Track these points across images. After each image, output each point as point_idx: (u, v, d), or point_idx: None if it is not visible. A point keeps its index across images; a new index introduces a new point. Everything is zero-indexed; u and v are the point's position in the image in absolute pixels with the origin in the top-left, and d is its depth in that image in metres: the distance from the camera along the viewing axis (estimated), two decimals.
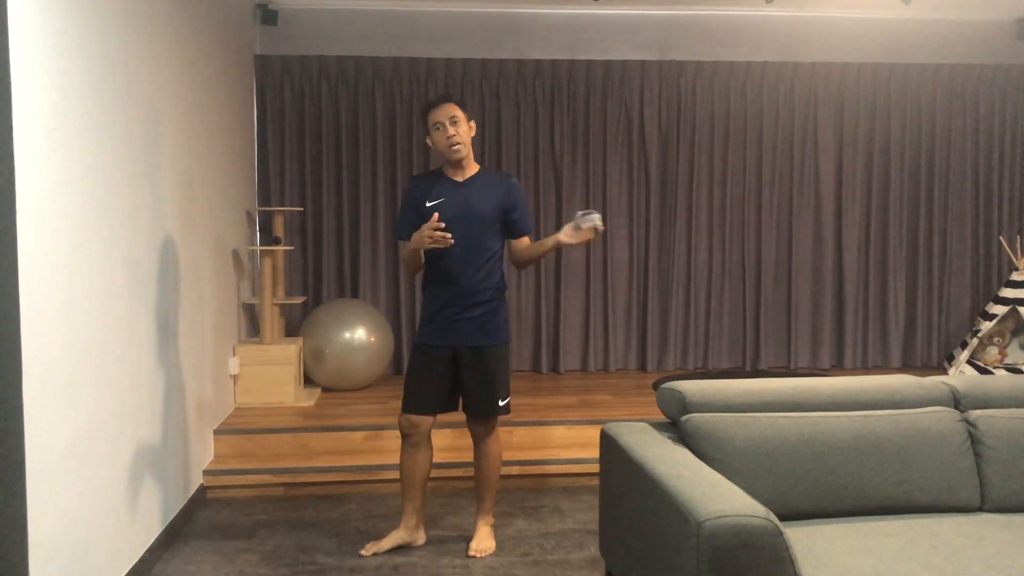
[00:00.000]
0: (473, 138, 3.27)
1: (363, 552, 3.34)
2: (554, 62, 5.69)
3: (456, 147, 3.17)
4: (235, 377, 4.69)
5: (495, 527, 3.53)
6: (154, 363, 3.31)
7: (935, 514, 2.60)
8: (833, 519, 2.56)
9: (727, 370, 5.93)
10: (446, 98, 3.22)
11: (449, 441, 4.32)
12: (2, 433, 2.11)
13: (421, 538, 3.43)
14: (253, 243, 5.33)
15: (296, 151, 5.62)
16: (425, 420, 3.32)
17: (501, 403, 3.29)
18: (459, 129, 3.17)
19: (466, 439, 4.33)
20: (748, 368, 5.95)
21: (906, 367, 5.98)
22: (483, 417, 3.33)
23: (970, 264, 6.09)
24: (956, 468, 2.64)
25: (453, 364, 3.28)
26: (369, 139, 5.63)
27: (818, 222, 5.96)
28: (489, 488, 3.42)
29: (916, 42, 6.03)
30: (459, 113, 3.18)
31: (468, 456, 4.24)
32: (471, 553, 3.33)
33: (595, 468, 4.13)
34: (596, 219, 3.08)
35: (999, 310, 5.45)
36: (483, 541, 3.38)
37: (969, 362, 5.55)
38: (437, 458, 4.21)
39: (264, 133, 5.57)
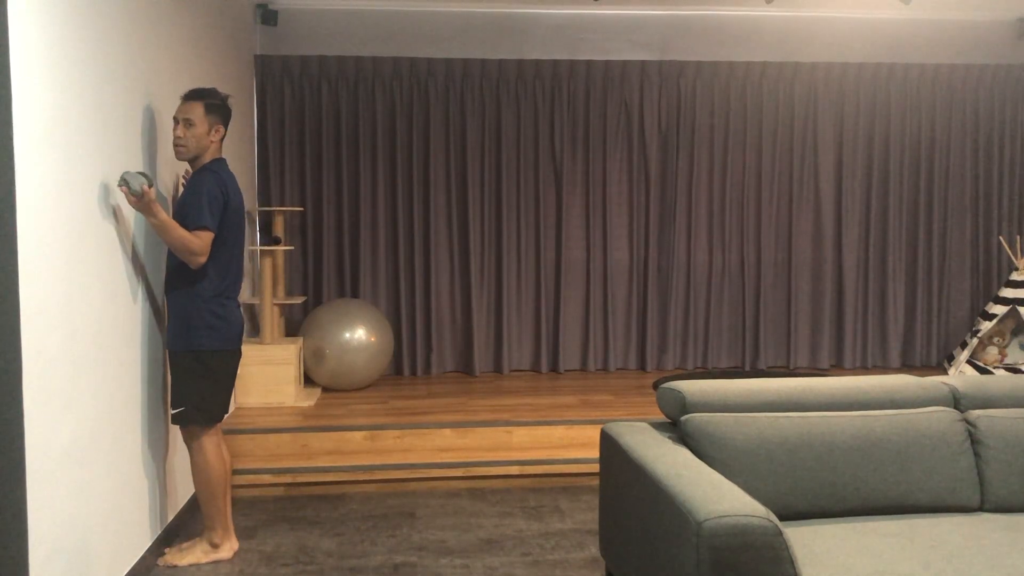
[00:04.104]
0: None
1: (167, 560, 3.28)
2: (554, 62, 5.69)
3: (177, 150, 3.16)
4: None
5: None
6: (154, 363, 3.31)
7: (935, 514, 2.61)
8: (833, 519, 2.56)
9: (727, 370, 5.93)
10: (193, 95, 3.16)
11: (449, 441, 4.33)
12: (2, 433, 2.11)
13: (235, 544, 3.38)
14: (253, 243, 5.33)
15: (296, 151, 5.62)
16: None
17: (173, 411, 3.18)
18: (191, 132, 3.13)
19: (465, 439, 4.35)
20: (747, 368, 5.95)
21: (905, 367, 5.98)
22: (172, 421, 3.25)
23: (970, 264, 6.09)
24: (956, 468, 2.64)
25: None
26: (369, 139, 5.63)
27: (818, 222, 5.96)
28: (200, 503, 3.27)
29: (916, 42, 6.03)
30: (196, 116, 3.13)
31: (468, 456, 4.25)
32: (160, 559, 3.26)
33: (595, 468, 4.14)
34: (128, 180, 2.84)
35: (999, 310, 5.45)
36: (180, 551, 3.28)
37: (969, 362, 5.55)
38: (436, 458, 4.23)
39: (264, 133, 5.57)
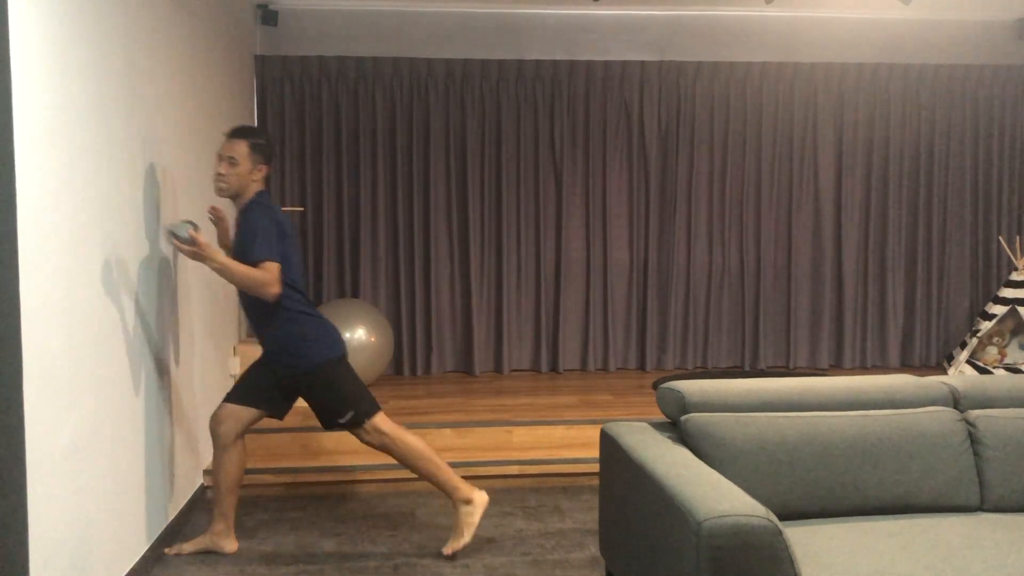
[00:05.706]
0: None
1: (167, 551, 3.32)
2: (554, 62, 5.69)
3: (219, 186, 3.16)
4: (236, 377, 4.69)
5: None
6: (154, 363, 3.31)
7: (935, 514, 2.61)
8: (833, 519, 2.56)
9: (726, 370, 5.94)
10: (238, 134, 3.18)
11: (449, 441, 4.33)
12: (3, 433, 2.11)
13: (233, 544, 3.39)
14: None
15: (296, 151, 5.63)
16: (226, 413, 3.28)
17: (340, 420, 3.23)
18: (234, 171, 3.13)
19: (465, 439, 4.35)
20: (747, 368, 5.95)
21: (905, 367, 5.98)
22: (335, 430, 3.32)
23: (969, 264, 6.10)
24: (956, 468, 2.64)
25: (272, 375, 3.27)
26: (369, 139, 5.63)
27: (817, 221, 5.97)
28: (425, 478, 3.32)
29: (916, 42, 6.03)
30: (240, 154, 3.13)
31: (468, 456, 4.25)
32: (446, 551, 3.30)
33: (595, 468, 4.14)
34: (173, 230, 2.88)
35: (998, 310, 5.45)
36: (457, 538, 3.32)
37: (969, 362, 5.55)
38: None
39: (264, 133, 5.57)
